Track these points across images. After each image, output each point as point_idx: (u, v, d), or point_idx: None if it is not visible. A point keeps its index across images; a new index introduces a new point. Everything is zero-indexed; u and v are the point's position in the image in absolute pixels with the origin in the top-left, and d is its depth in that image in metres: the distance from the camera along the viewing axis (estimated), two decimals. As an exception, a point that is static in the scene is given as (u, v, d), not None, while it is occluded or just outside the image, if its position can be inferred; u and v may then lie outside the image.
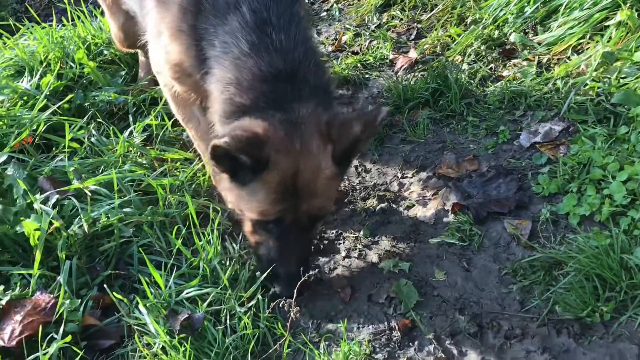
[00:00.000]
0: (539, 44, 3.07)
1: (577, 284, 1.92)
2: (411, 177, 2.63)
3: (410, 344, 1.97)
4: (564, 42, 2.98)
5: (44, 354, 1.86)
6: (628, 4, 2.83)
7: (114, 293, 2.07)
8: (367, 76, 3.32)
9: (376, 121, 1.93)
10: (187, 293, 2.12)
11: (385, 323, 2.05)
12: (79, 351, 1.91)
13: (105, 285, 2.16)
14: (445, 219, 2.39)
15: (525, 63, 3.00)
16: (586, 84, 2.68)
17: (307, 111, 1.96)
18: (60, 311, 2.04)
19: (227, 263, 2.25)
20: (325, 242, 2.43)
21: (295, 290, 1.98)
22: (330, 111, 2.02)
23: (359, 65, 3.41)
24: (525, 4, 3.27)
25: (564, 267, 1.99)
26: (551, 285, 2.00)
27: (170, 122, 2.94)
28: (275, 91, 1.97)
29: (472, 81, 2.96)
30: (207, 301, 2.09)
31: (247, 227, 2.16)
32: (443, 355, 1.91)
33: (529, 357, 1.85)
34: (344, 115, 2.04)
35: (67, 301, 2.07)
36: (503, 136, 2.64)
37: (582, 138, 2.41)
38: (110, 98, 3.20)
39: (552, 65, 2.95)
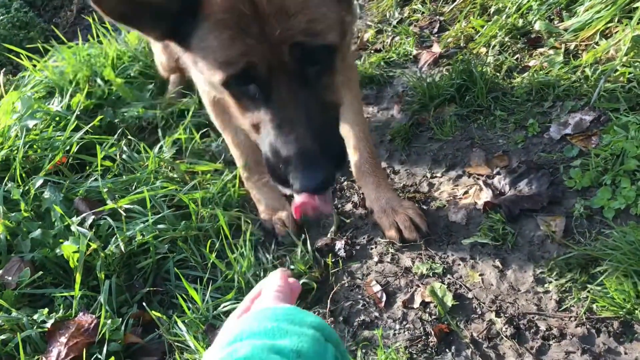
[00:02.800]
0: (565, 30, 2.99)
1: (615, 281, 1.88)
2: (440, 177, 2.61)
3: (447, 349, 1.97)
4: (591, 27, 2.90)
5: (90, 376, 1.92)
6: (657, -17, 2.74)
7: (153, 311, 2.12)
8: (391, 74, 3.30)
9: None
10: (223, 307, 2.16)
11: (421, 328, 2.04)
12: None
13: (144, 303, 2.22)
14: (477, 219, 2.36)
15: (551, 51, 2.93)
16: (616, 70, 2.60)
17: None
18: (103, 331, 2.10)
19: (261, 274, 2.28)
20: (357, 247, 2.43)
21: (320, 180, 1.37)
22: None
23: (382, 63, 3.39)
24: (550, -11, 3.19)
25: (601, 263, 1.96)
26: (588, 283, 1.96)
27: (199, 135, 2.98)
28: None
29: (498, 74, 2.91)
30: (244, 314, 2.12)
31: (234, 108, 1.52)
32: (480, 359, 1.90)
33: (568, 359, 1.83)
34: None
35: (109, 321, 2.13)
36: (532, 129, 2.59)
37: (614, 127, 2.35)
38: (139, 113, 3.26)
39: (579, 52, 2.87)
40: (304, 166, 1.34)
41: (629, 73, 2.55)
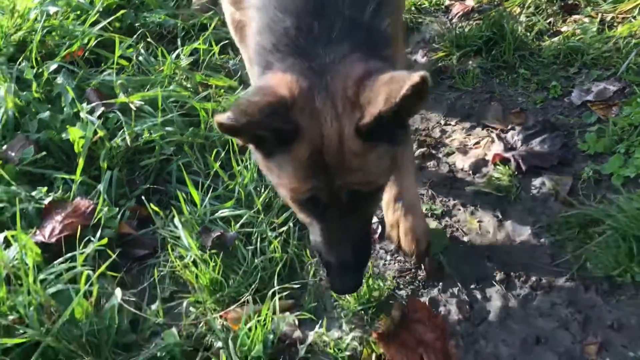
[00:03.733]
0: (604, 0, 2.93)
1: (613, 243, 1.89)
2: (454, 125, 2.59)
3: (435, 284, 1.98)
4: (630, 1, 2.84)
5: (81, 254, 1.93)
6: None
7: (151, 205, 2.13)
8: (420, 20, 3.24)
9: (425, 85, 1.30)
10: (221, 213, 2.17)
11: (412, 263, 2.06)
12: (113, 255, 1.98)
13: (143, 198, 2.23)
14: (484, 169, 2.35)
15: (587, 20, 2.87)
16: (649, 46, 2.56)
17: (336, 58, 1.49)
18: (99, 217, 2.11)
19: (262, 190, 2.28)
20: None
21: (351, 287, 1.71)
22: (369, 62, 1.50)
23: (412, 8, 3.32)
24: (594, -43, 3.11)
25: (601, 225, 1.96)
26: (585, 243, 1.97)
27: (218, 48, 2.94)
28: (298, 29, 1.53)
29: (529, 34, 2.86)
30: (240, 222, 2.13)
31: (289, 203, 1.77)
32: (466, 299, 1.92)
33: (553, 309, 1.85)
34: (386, 72, 1.43)
35: (106, 208, 2.14)
36: (554, 92, 2.56)
37: (637, 100, 2.32)
38: (161, 20, 3.21)
39: (615, 24, 2.82)
40: (341, 274, 1.64)
41: (662, 50, 2.51)
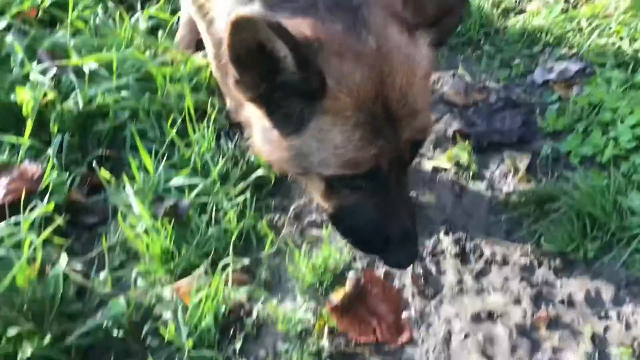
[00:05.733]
0: (570, -20, 2.93)
1: (567, 220, 1.90)
2: (417, 100, 2.57)
3: (391, 257, 1.97)
4: (595, -18, 2.85)
5: (26, 220, 1.86)
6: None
7: (103, 171, 2.06)
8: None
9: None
10: (175, 181, 2.11)
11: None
12: (61, 222, 1.91)
13: (94, 164, 2.15)
14: (444, 144, 2.34)
15: (552, -1, 2.88)
16: (611, 27, 2.57)
17: None
18: (47, 182, 2.03)
19: (220, 160, 2.22)
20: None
21: (415, 258, 1.58)
22: None
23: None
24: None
25: (557, 202, 1.97)
26: (541, 219, 1.98)
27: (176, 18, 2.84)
28: None
29: (495, 10, 2.84)
30: (195, 192, 2.08)
31: (318, 189, 1.49)
32: (421, 271, 1.91)
33: (505, 284, 1.86)
34: None
35: (55, 174, 2.06)
36: (517, 70, 2.56)
37: (597, 80, 2.34)
38: (120, -18, 3.09)
39: (580, 4, 2.83)
40: (404, 246, 1.47)
41: (623, 32, 2.52)
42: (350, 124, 1.24)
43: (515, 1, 2.93)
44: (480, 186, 2.16)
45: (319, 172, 1.36)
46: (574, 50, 2.58)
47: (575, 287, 1.83)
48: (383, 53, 1.26)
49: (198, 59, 2.61)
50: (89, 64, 2.33)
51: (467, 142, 2.28)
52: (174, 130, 2.24)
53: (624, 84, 2.28)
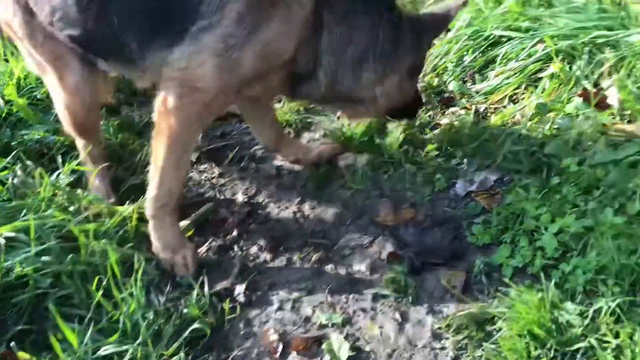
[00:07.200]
0: (477, 92, 3.11)
1: (510, 340, 1.88)
2: (349, 225, 2.58)
3: (339, 404, 1.88)
4: (500, 92, 3.03)
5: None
6: (560, 57, 2.91)
7: (21, 352, 1.92)
8: (309, 120, 3.27)
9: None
10: (104, 350, 1.99)
11: None
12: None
13: (13, 343, 2.00)
14: (381, 269, 2.33)
15: (463, 112, 3.02)
16: (521, 134, 2.71)
17: None
18: (-40, 374, 1.87)
19: (151, 317, 2.12)
20: (259, 293, 2.33)
21: None
22: None
23: (301, 109, 3.36)
24: (465, 53, 3.33)
25: (497, 322, 1.95)
26: (484, 341, 1.95)
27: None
28: None
29: (411, 128, 2.95)
30: (126, 359, 1.96)
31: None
32: (372, 417, 1.82)
33: (460, 418, 1.79)
34: None
35: (-31, 361, 1.91)
36: (439, 184, 2.62)
37: (516, 188, 2.41)
38: (40, 137, 3.07)
39: (489, 114, 2.98)
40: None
41: (532, 138, 2.66)
42: None
43: (430, 116, 3.06)
44: (421, 311, 2.13)
45: None
46: (491, 160, 2.67)
47: (529, 411, 1.78)
48: None
49: (122, 208, 2.57)
50: (4, 234, 2.23)
51: (401, 264, 2.27)
52: (100, 293, 2.14)
53: (542, 189, 2.35)
